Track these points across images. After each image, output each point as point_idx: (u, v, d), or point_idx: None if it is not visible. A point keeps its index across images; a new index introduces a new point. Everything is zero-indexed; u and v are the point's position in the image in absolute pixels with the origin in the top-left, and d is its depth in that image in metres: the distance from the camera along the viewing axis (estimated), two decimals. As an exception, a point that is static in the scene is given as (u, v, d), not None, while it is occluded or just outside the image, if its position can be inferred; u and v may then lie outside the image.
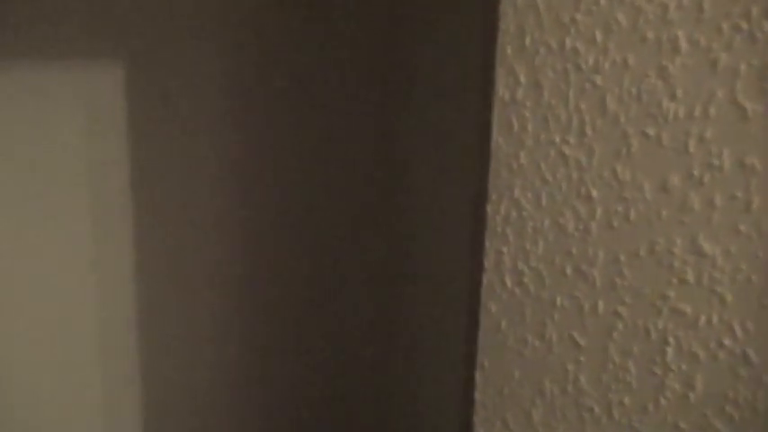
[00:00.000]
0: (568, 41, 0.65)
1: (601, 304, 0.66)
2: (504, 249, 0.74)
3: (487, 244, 0.76)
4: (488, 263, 0.76)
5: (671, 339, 0.61)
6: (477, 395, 0.79)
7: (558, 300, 0.69)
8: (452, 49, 1.21)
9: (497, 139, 0.73)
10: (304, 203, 1.30)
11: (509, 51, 0.71)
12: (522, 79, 0.69)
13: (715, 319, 0.58)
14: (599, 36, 0.63)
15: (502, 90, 0.71)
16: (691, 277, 0.59)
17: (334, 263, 1.35)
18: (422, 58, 1.28)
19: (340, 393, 1.42)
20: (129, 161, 1.14)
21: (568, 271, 0.68)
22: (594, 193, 0.65)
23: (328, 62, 1.26)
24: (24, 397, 1.14)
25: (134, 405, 1.20)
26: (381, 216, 1.36)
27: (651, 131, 0.60)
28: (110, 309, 1.16)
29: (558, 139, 0.67)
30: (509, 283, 0.74)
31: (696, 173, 0.58)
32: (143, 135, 1.15)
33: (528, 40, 0.69)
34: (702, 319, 0.58)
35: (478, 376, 0.79)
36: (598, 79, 0.63)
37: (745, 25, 0.54)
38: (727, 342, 0.57)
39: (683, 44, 0.58)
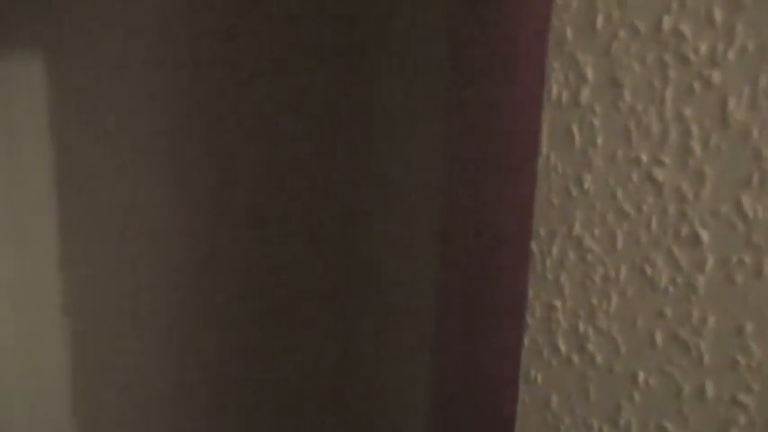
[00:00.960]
0: (667, 21, 0.45)
1: (710, 387, 0.46)
2: (558, 303, 0.54)
3: (532, 294, 0.55)
4: (533, 319, 0.55)
5: None
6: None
7: (642, 376, 0.50)
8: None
9: (548, 154, 0.52)
10: (253, 208, 1.09)
11: (570, 35, 0.50)
12: (591, 74, 0.49)
13: None
14: (718, 13, 0.43)
15: (557, 89, 0.50)
16: None
17: (290, 273, 1.14)
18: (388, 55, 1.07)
19: (302, 403, 1.23)
20: (51, 162, 0.91)
21: (659, 339, 0.49)
22: (705, 236, 0.45)
23: (278, 52, 1.03)
24: None
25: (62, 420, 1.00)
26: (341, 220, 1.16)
27: None
28: (32, 322, 0.94)
29: (646, 159, 0.47)
30: (564, 347, 0.54)
31: None
32: (65, 134, 0.91)
33: (601, 20, 0.48)
34: None
35: (516, 464, 0.59)
36: (715, 75, 0.43)
37: None
38: None
39: None
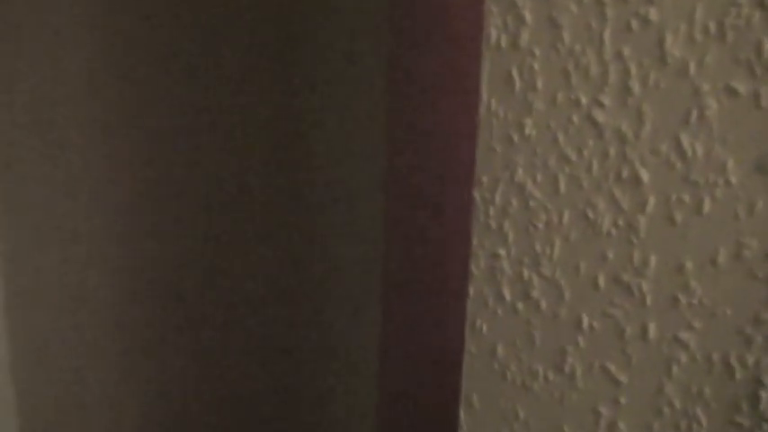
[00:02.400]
0: (605, -43, 0.44)
1: (653, 328, 0.47)
2: (502, 252, 0.53)
3: (475, 242, 0.55)
4: (477, 268, 0.55)
5: (767, 378, 0.42)
6: (463, 438, 0.60)
7: (586, 320, 0.50)
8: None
9: (489, 100, 0.51)
10: (200, 204, 1.06)
11: (508, -26, 0.49)
12: (529, 16, 0.48)
13: (842, 353, 0.40)
14: (655, -52, 0.42)
15: (496, 33, 0.49)
16: (802, 295, 0.40)
17: (237, 269, 1.12)
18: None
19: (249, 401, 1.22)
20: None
21: (601, 282, 0.49)
22: (645, 176, 0.45)
23: (217, 38, 1.00)
24: None
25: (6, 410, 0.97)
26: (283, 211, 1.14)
27: (741, 87, 0.40)
28: None
29: (585, 100, 0.47)
30: (509, 296, 0.54)
31: (817, 148, 0.39)
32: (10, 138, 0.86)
33: (539, -42, 0.47)
34: (823, 353, 0.41)
35: (465, 416, 0.59)
36: (652, 12, 0.43)
37: None
38: None
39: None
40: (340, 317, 1.17)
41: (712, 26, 0.41)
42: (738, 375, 0.44)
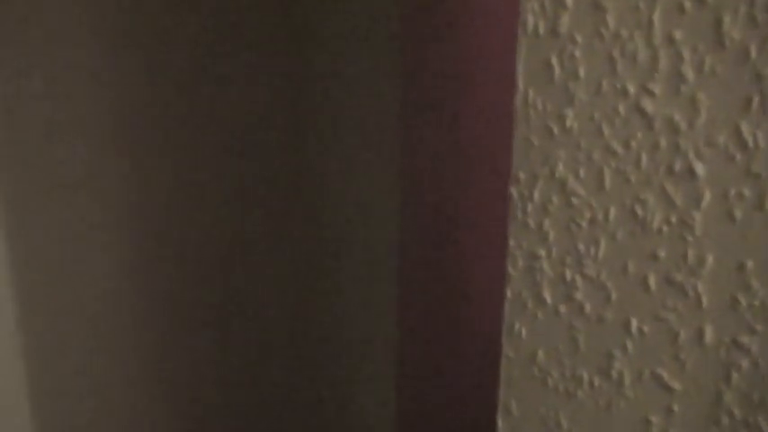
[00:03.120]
0: (655, -67, 0.41)
1: (709, 331, 0.43)
2: (542, 251, 0.50)
3: (512, 242, 0.51)
4: (515, 269, 0.52)
5: None
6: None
7: (635, 323, 0.47)
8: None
9: (526, 90, 0.48)
10: (215, 205, 1.03)
11: (546, -45, 0.45)
12: (570, 0, 0.44)
13: None
14: None
15: (533, 19, 0.46)
16: None
17: (248, 267, 1.09)
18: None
19: (266, 400, 1.20)
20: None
21: (652, 283, 0.45)
22: (701, 169, 0.42)
23: (233, 40, 0.97)
24: None
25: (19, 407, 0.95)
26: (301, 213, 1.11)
27: None
28: None
29: (633, 89, 0.43)
30: (549, 297, 0.51)
31: None
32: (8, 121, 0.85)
33: (580, -64, 0.43)
34: None
35: (503, 423, 0.55)
36: (709, -8, 0.39)
37: None
38: None
39: None
40: (357, 318, 1.15)
41: (775, 5, 0.38)
42: None
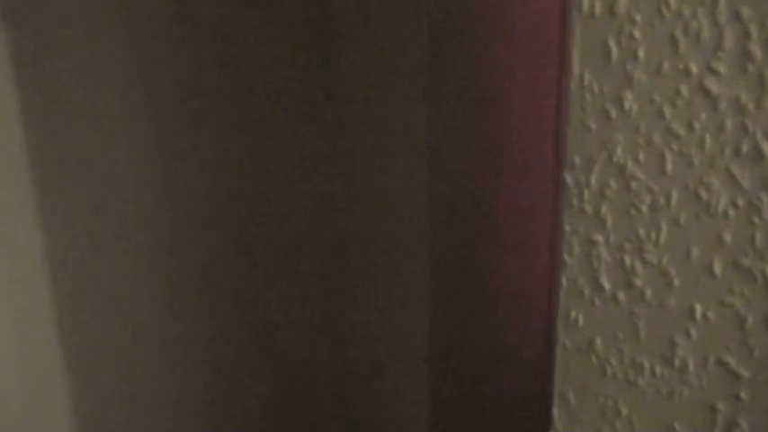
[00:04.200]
0: None
1: (779, 317, 0.42)
2: (600, 238, 0.49)
3: (568, 228, 0.50)
4: (571, 256, 0.51)
5: None
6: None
7: (699, 309, 0.46)
8: None
9: (582, 74, 0.47)
10: (241, 197, 1.03)
11: (603, -67, 0.44)
12: (629, -23, 0.43)
13: None
14: None
15: (587, 2, 0.45)
16: None
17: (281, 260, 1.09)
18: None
19: (298, 394, 1.20)
20: (27, 156, 0.85)
21: (717, 268, 0.44)
22: (769, 151, 0.40)
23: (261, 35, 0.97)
24: None
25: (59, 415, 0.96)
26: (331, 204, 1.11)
27: None
28: (18, 315, 0.89)
29: (696, 69, 0.42)
30: (608, 284, 0.49)
31: None
32: (39, 127, 0.85)
33: None
34: None
35: (559, 413, 0.55)
36: (778, -34, 0.38)
37: None
38: None
39: None
40: (389, 315, 1.14)
41: None
42: None
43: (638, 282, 0.48)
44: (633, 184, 0.47)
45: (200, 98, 0.94)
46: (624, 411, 0.52)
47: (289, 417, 1.17)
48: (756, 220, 0.42)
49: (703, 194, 0.44)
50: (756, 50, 0.40)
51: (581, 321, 0.52)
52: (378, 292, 1.12)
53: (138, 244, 0.95)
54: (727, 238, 0.44)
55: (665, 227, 0.46)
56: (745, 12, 0.40)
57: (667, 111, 0.44)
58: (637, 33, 0.44)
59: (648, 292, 0.48)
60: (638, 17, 0.44)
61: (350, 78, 1.05)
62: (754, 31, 0.40)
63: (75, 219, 0.90)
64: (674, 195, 0.45)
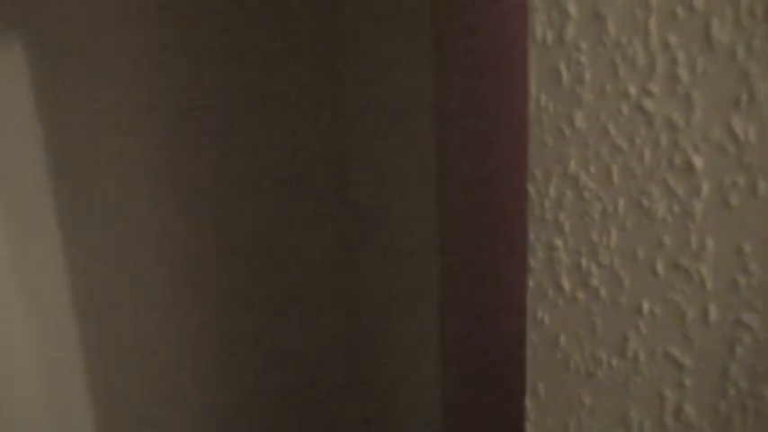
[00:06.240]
0: (646, -51, 0.45)
1: (714, 310, 0.47)
2: (559, 242, 0.54)
3: (533, 236, 0.56)
4: (535, 260, 0.56)
5: None
6: (530, 427, 0.61)
7: (646, 306, 0.51)
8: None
9: (538, 96, 0.52)
10: (253, 200, 1.09)
11: (550, -28, 0.50)
12: (573, 10, 0.49)
13: None
14: (696, -64, 0.43)
15: (541, 30, 0.50)
16: None
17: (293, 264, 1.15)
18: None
19: (311, 398, 1.25)
20: (45, 153, 0.91)
21: (660, 268, 0.49)
22: (698, 161, 0.46)
23: (272, 41, 1.03)
24: None
25: (80, 414, 1.01)
26: (335, 210, 1.16)
27: None
28: (39, 313, 0.95)
29: (634, 91, 0.47)
30: (568, 285, 0.55)
31: None
32: (58, 121, 0.91)
33: (580, -47, 0.48)
34: None
35: (531, 405, 0.60)
36: None
37: None
38: None
39: None
40: (399, 313, 1.19)
41: (759, 9, 0.42)
42: None
43: (593, 282, 0.54)
44: (586, 194, 0.52)
45: (216, 103, 1.00)
46: (587, 402, 0.57)
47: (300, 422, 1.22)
48: (690, 224, 0.48)
49: (645, 202, 0.50)
50: (684, 73, 0.46)
51: (546, 320, 0.58)
52: (386, 294, 1.17)
53: (155, 247, 1.01)
54: (667, 240, 0.49)
55: (614, 232, 0.52)
56: (673, 40, 0.46)
57: (611, 128, 0.50)
58: (583, 59, 0.50)
59: (603, 291, 0.54)
60: (583, 45, 0.50)
61: (358, 88, 1.11)
62: (680, 56, 0.46)
63: (93, 221, 0.96)
64: (621, 203, 0.51)
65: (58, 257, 0.97)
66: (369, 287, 1.27)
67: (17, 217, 0.93)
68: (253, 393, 1.20)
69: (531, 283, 0.58)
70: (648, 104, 0.47)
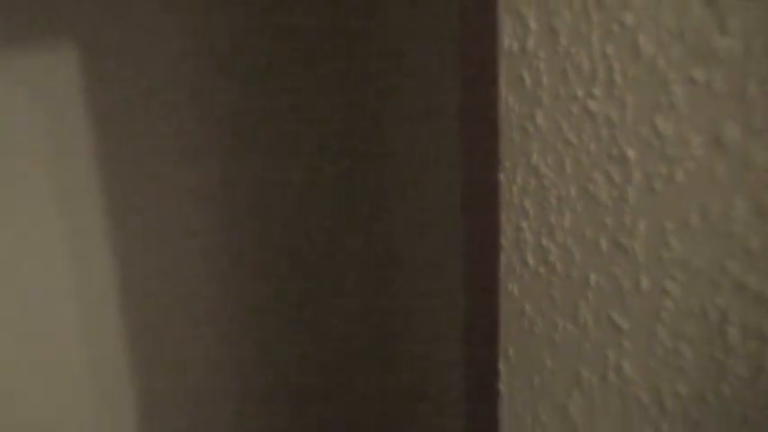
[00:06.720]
0: (588, -25, 0.55)
1: (645, 281, 0.56)
2: (524, 224, 0.64)
3: (503, 218, 0.66)
4: (506, 240, 0.66)
5: (733, 317, 0.51)
6: (503, 387, 0.70)
7: (593, 278, 0.60)
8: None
9: (507, 98, 0.62)
10: (287, 194, 1.20)
11: (515, -7, 0.60)
12: (533, 25, 0.59)
13: (790, 293, 0.49)
14: (626, -34, 0.52)
15: (508, 41, 0.60)
16: (755, 244, 0.49)
17: (319, 252, 1.25)
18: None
19: (339, 385, 1.34)
20: (95, 151, 1.02)
21: (603, 245, 0.59)
22: (630, 153, 0.55)
23: (302, 43, 1.14)
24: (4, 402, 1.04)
25: (126, 406, 1.11)
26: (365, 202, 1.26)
27: (699, 75, 0.50)
28: (92, 308, 1.06)
29: (581, 93, 0.57)
30: (532, 261, 0.64)
31: (758, 122, 0.48)
32: (107, 124, 1.03)
33: (537, -22, 0.58)
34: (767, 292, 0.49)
35: (503, 366, 0.69)
36: (628, 17, 0.53)
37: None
38: (806, 320, 0.48)
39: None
40: (426, 312, 1.28)
41: (675, 28, 0.51)
42: (711, 317, 0.53)
43: (551, 258, 0.63)
44: (545, 182, 0.62)
45: (266, 105, 1.11)
46: (548, 363, 0.66)
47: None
48: (626, 207, 0.57)
49: (591, 188, 0.59)
50: (619, 79, 0.55)
51: (515, 292, 0.67)
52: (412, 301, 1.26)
53: (203, 248, 1.12)
54: (609, 222, 0.58)
55: (567, 214, 0.61)
56: (610, 51, 0.55)
57: (564, 125, 0.59)
58: (541, 66, 0.60)
59: (558, 266, 0.63)
60: (541, 54, 0.60)
61: (385, 92, 1.21)
62: (616, 65, 0.55)
63: (144, 223, 1.07)
64: (572, 190, 0.60)
65: (108, 249, 1.08)
66: (401, 292, 1.36)
67: (72, 217, 1.04)
68: (288, 383, 1.29)
69: (503, 259, 0.67)
70: (592, 105, 0.57)
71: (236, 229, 1.15)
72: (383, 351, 1.38)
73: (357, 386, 1.36)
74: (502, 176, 0.65)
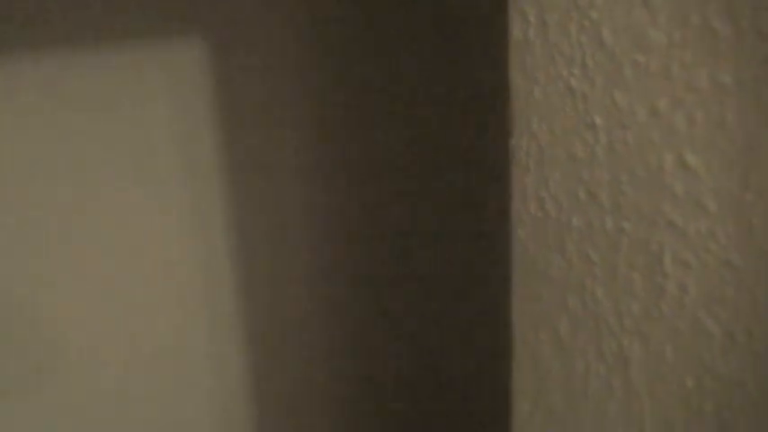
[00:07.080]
0: (567, -18, 0.71)
1: (609, 222, 0.72)
2: (528, 180, 0.81)
3: (514, 175, 0.83)
4: (515, 193, 0.83)
5: (667, 249, 0.67)
6: (514, 316, 0.88)
7: (574, 221, 0.76)
8: None
9: (515, 77, 0.80)
10: (393, 196, 1.20)
11: (519, -5, 0.77)
12: (532, 20, 0.76)
13: (702, 227, 0.64)
14: (593, -26, 0.68)
15: (516, 31, 0.78)
16: (680, 191, 0.64)
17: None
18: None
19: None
20: (222, 147, 1.07)
21: (581, 194, 0.75)
22: (598, 121, 0.71)
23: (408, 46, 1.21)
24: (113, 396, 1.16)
25: (242, 408, 1.19)
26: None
27: (641, 59, 0.65)
28: (211, 306, 1.14)
29: (564, 73, 0.74)
30: (533, 209, 0.81)
31: (680, 95, 0.63)
32: (233, 117, 1.09)
33: (533, -16, 0.74)
34: (691, 228, 0.64)
35: (514, 298, 0.87)
36: (594, 15, 0.69)
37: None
38: (713, 247, 0.63)
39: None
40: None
41: (624, 22, 0.67)
42: (652, 249, 0.68)
43: (547, 206, 0.80)
44: (542, 144, 0.79)
45: (373, 99, 1.15)
46: (544, 294, 0.83)
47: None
48: (596, 164, 0.73)
49: (572, 149, 0.75)
50: (590, 62, 0.72)
51: (522, 235, 0.84)
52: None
53: (307, 243, 1.17)
54: (585, 175, 0.75)
55: (557, 170, 0.78)
56: (583, 40, 0.72)
57: (553, 99, 0.76)
58: (537, 52, 0.77)
59: (552, 212, 0.80)
60: (537, 42, 0.76)
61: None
62: (588, 51, 0.71)
63: (260, 218, 1.14)
64: (560, 150, 0.77)
65: (226, 240, 1.14)
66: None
67: (195, 211, 1.08)
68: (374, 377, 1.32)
69: (512, 209, 0.85)
70: (573, 82, 0.74)
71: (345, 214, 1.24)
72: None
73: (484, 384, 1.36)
74: (512, 142, 0.82)
